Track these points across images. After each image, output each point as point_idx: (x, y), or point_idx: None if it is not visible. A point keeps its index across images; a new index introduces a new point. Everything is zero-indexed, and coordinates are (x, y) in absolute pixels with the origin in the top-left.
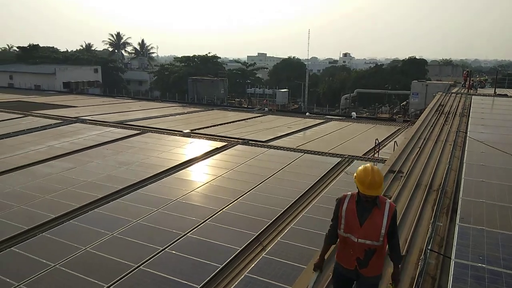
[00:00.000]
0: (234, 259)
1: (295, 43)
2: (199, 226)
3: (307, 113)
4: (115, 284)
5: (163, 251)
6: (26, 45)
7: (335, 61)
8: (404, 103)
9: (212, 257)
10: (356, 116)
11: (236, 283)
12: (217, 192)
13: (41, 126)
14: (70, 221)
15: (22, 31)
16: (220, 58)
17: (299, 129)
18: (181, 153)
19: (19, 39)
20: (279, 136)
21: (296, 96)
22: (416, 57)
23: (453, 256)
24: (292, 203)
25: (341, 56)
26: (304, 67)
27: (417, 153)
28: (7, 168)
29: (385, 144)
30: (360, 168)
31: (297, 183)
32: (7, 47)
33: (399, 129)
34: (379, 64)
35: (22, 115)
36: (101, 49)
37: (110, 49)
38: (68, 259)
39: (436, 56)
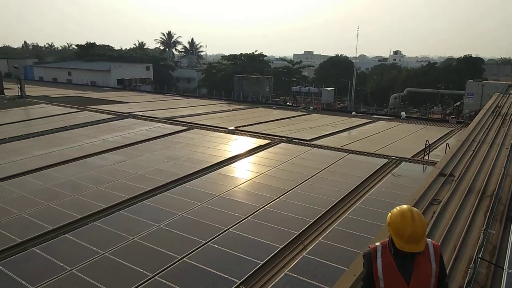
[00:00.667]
0: (275, 257)
1: (343, 41)
2: (241, 222)
3: (354, 112)
4: (160, 274)
5: (206, 245)
6: (83, 43)
7: (385, 59)
8: (458, 103)
9: (253, 253)
10: (406, 116)
11: (276, 280)
12: (259, 189)
13: (95, 121)
14: (120, 211)
15: (81, 30)
16: (266, 56)
17: (344, 128)
18: (226, 150)
19: (77, 38)
20: (324, 135)
21: (343, 95)
22: (472, 55)
23: (505, 266)
24: (335, 204)
25: (391, 54)
26: (351, 65)
27: (470, 156)
28: (63, 159)
29: (436, 146)
30: (394, 212)
31: (341, 184)
32: (67, 45)
33: (451, 130)
34: (432, 62)
35: (79, 110)
36: (153, 48)
37: (162, 47)
38: (116, 248)
39: (494, 55)
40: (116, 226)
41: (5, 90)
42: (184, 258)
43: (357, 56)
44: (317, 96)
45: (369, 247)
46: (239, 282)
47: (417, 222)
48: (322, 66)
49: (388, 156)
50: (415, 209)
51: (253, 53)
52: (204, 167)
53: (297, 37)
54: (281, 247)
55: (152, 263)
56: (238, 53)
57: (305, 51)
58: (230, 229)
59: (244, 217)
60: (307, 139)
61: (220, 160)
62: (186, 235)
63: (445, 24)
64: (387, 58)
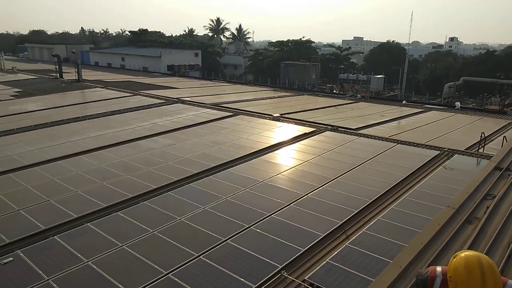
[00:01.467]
0: (317, 244)
1: (395, 26)
2: (283, 209)
3: (404, 101)
4: (205, 254)
5: (248, 229)
6: (136, 29)
7: (440, 46)
8: None
9: (294, 240)
10: (460, 107)
11: (317, 268)
12: (303, 176)
13: (147, 105)
14: (168, 192)
15: (134, 16)
16: (313, 42)
17: (393, 118)
18: (270, 136)
19: (131, 24)
20: (371, 125)
21: (393, 83)
22: None
23: None
24: (381, 195)
25: (447, 40)
26: (403, 52)
27: None
28: (117, 141)
29: (493, 138)
30: (459, 265)
31: (388, 174)
32: (121, 31)
33: (510, 123)
34: (491, 50)
35: (131, 94)
36: (202, 34)
37: (210, 34)
38: (164, 227)
39: None
40: (165, 206)
41: (63, 74)
42: (228, 241)
43: (410, 42)
44: (366, 84)
45: (427, 271)
46: (280, 267)
47: (489, 285)
48: (372, 52)
49: (439, 147)
50: (486, 261)
51: (300, 39)
52: (248, 153)
53: (346, 23)
54: (323, 235)
55: (198, 243)
56: (285, 40)
57: (354, 37)
58: (272, 215)
59: (287, 204)
60: (354, 128)
61: (264, 146)
62: (230, 219)
63: (507, 9)
64: (442, 45)
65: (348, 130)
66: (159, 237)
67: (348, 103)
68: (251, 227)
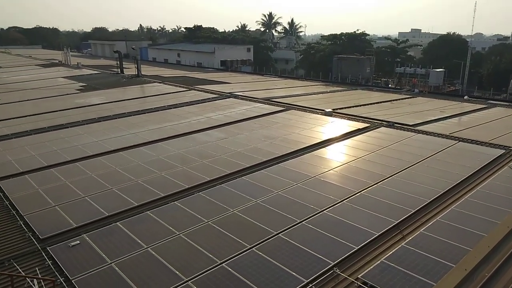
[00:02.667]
0: (371, 243)
1: (456, 18)
2: (336, 205)
3: (466, 97)
4: (257, 246)
5: (300, 224)
6: (191, 26)
7: (505, 38)
8: None
9: (347, 237)
10: None
11: (371, 267)
12: (356, 173)
13: (201, 99)
14: (222, 185)
15: (190, 13)
16: (368, 35)
17: (454, 114)
18: (322, 132)
19: (186, 21)
20: (430, 121)
21: (454, 77)
22: None
23: None
24: (440, 195)
25: None
26: (465, 45)
27: None
28: (173, 134)
29: None
30: None
31: (448, 174)
32: (176, 28)
33: None
34: None
35: (186, 89)
36: (254, 29)
37: (262, 29)
38: (218, 218)
39: None
40: (218, 198)
41: (124, 69)
42: (280, 234)
43: (473, 34)
44: (424, 78)
45: None
46: (332, 263)
47: None
48: (431, 45)
49: (505, 146)
50: None
51: (354, 32)
52: (299, 148)
53: (403, 15)
54: (378, 234)
55: (250, 236)
56: (339, 33)
57: (411, 29)
58: (325, 211)
59: (340, 201)
60: (410, 124)
61: (316, 142)
62: (281, 213)
63: None
64: (508, 37)
65: (405, 126)
66: (213, 228)
67: (405, 98)
68: (303, 222)
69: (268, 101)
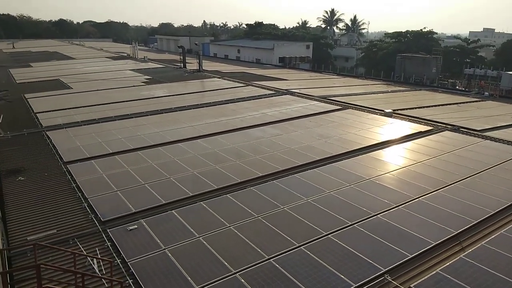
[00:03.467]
0: (426, 253)
1: None
2: (390, 210)
3: None
4: (306, 245)
5: (351, 226)
6: (252, 22)
7: None
8: None
9: (401, 244)
10: None
11: (425, 277)
12: (414, 178)
13: (257, 95)
14: (274, 181)
15: (252, 10)
16: (436, 33)
17: None
18: (380, 133)
19: (248, 17)
20: (500, 127)
21: None
22: None
23: None
24: (506, 207)
25: None
26: None
27: None
28: (229, 128)
29: None
30: None
31: None
32: (238, 24)
33: None
34: None
35: (244, 85)
36: (315, 26)
37: (323, 25)
38: (268, 214)
39: None
40: (269, 194)
41: (186, 64)
42: (329, 235)
43: None
44: (496, 81)
45: None
46: (383, 270)
47: None
48: (505, 46)
49: None
50: None
51: (420, 30)
52: (355, 148)
53: (474, 14)
54: (435, 244)
55: (299, 234)
56: (404, 31)
57: (484, 29)
58: (378, 215)
59: (395, 206)
60: (478, 129)
61: (373, 143)
62: (332, 213)
63: None
64: None
65: (472, 131)
66: (263, 223)
67: (473, 102)
68: (354, 225)
69: (325, 99)
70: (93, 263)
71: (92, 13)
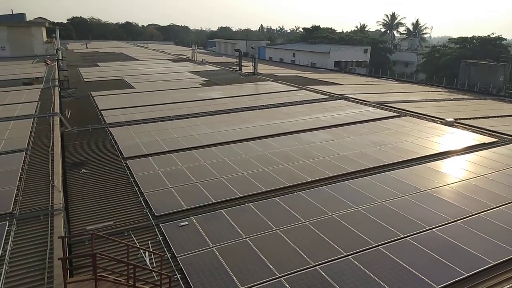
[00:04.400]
0: (484, 272)
1: None
2: (447, 225)
3: None
4: (354, 255)
5: (403, 239)
6: (309, 26)
7: None
8: None
9: (457, 262)
10: None
11: None
12: (475, 192)
13: (311, 100)
14: (323, 187)
15: (308, 13)
16: (505, 40)
17: None
18: (439, 142)
19: (305, 21)
20: None
21: None
22: None
23: None
24: None
25: None
26: None
27: None
28: (280, 132)
29: None
30: None
31: None
32: (295, 28)
33: None
34: None
35: (298, 88)
36: (374, 30)
37: (383, 29)
38: (316, 220)
39: None
40: (318, 200)
41: (242, 67)
42: (379, 247)
43: None
44: None
45: None
46: (436, 287)
47: None
48: None
49: None
50: None
51: (488, 36)
52: (411, 157)
53: None
54: (494, 263)
55: (347, 243)
56: (469, 36)
57: None
58: (433, 229)
59: (452, 220)
60: None
61: (431, 153)
62: (383, 224)
63: None
64: None
65: None
66: (309, 228)
67: None
68: (407, 238)
69: (381, 105)
70: (145, 256)
71: (156, 16)
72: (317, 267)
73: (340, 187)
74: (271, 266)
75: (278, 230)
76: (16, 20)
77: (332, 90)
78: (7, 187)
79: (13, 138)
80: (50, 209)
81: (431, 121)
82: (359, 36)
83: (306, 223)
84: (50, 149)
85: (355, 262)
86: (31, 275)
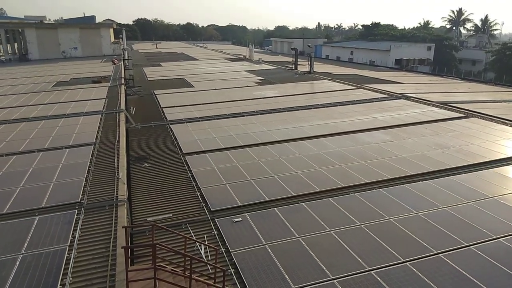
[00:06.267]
0: None
1: None
2: None
3: None
4: (412, 261)
5: (467, 248)
6: (369, 23)
7: None
8: None
9: None
10: None
11: None
12: None
13: (368, 99)
14: (380, 189)
15: (369, 10)
16: None
17: None
18: (509, 146)
19: (364, 18)
20: None
21: None
22: None
23: None
24: None
25: None
26: None
27: None
28: (336, 131)
29: None
30: None
31: None
32: (353, 26)
33: None
34: None
35: (355, 87)
36: (438, 27)
37: (448, 26)
38: (372, 223)
39: None
40: (374, 203)
41: (298, 66)
42: (440, 255)
43: None
44: None
45: None
46: None
47: None
48: None
49: None
50: None
51: None
52: (478, 162)
53: None
54: None
55: (405, 249)
56: None
57: None
58: (500, 239)
59: None
60: None
61: (501, 157)
62: (445, 231)
63: None
64: None
65: None
66: (365, 232)
67: None
68: (471, 247)
69: (445, 105)
70: (201, 249)
71: (215, 16)
72: (372, 271)
73: (398, 190)
74: (324, 268)
75: (332, 231)
76: (87, 22)
77: (392, 89)
78: (76, 178)
79: (83, 132)
80: (115, 200)
81: (501, 123)
82: (423, 33)
83: (362, 225)
84: (116, 143)
85: (413, 269)
86: (96, 261)
